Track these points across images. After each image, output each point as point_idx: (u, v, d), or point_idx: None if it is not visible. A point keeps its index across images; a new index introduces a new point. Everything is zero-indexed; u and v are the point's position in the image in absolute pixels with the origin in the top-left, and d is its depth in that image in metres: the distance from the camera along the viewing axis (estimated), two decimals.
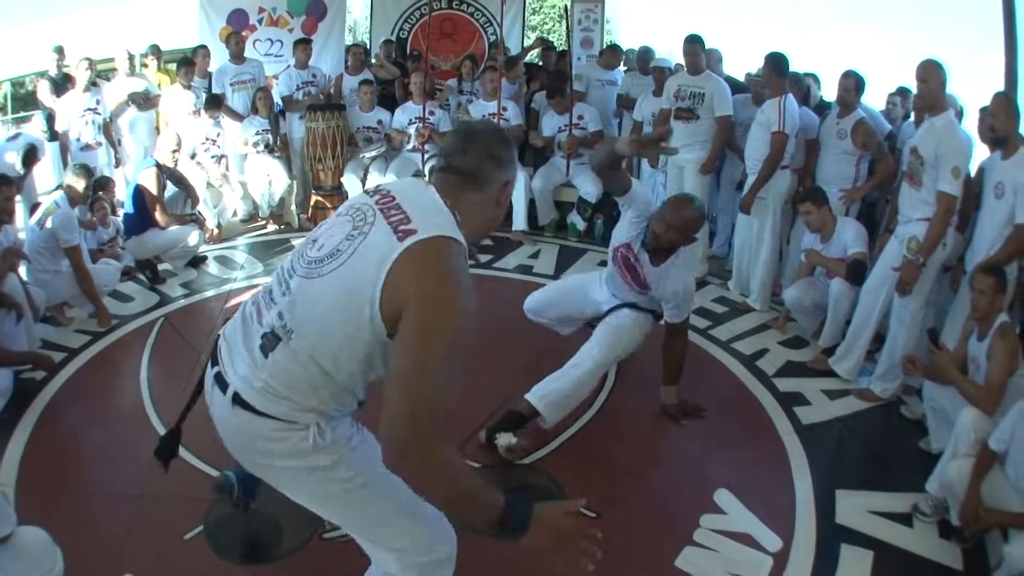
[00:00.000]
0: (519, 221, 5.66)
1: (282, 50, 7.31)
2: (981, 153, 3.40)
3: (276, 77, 6.65)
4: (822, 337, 3.87)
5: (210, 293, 4.61)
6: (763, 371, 3.75)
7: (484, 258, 5.18)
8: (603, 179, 3.04)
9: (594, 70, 6.47)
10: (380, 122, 5.99)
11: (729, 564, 2.40)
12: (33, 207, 4.32)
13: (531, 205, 5.76)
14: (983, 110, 3.39)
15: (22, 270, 3.71)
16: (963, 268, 3.32)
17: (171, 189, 4.93)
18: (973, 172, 3.38)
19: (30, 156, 4.55)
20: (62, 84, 5.49)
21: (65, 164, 5.11)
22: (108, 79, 5.83)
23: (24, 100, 9.30)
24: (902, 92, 4.70)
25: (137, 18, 7.97)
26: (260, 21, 7.37)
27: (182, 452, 2.64)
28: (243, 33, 6.78)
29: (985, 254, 3.08)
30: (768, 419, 3.32)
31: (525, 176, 5.69)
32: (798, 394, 3.52)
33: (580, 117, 5.64)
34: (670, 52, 5.88)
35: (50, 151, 5.32)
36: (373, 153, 5.91)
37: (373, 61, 7.17)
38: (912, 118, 4.36)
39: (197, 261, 4.99)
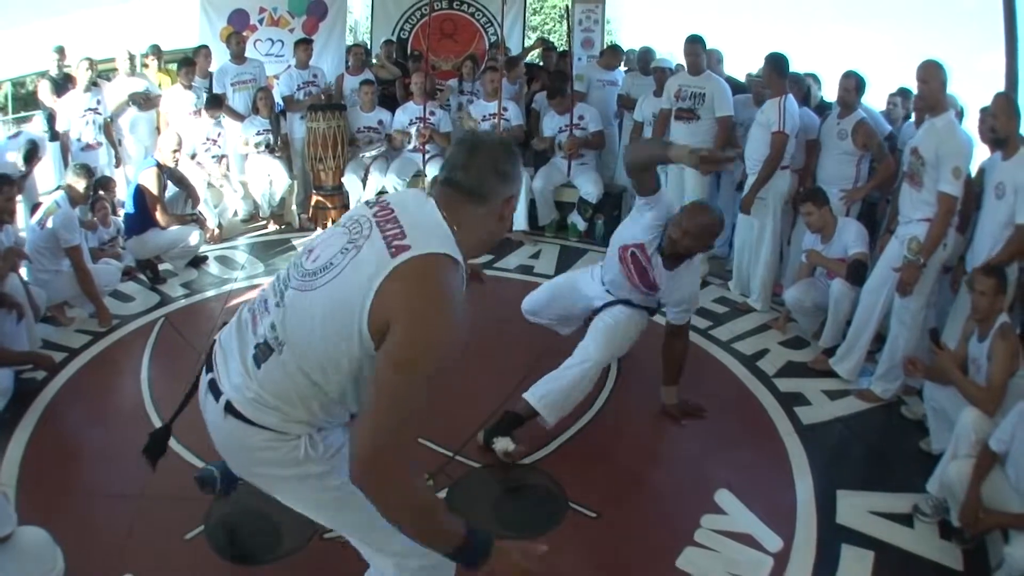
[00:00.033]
0: (519, 221, 5.66)
1: (283, 50, 7.31)
2: (982, 153, 3.40)
3: (277, 77, 6.66)
4: (823, 337, 3.87)
5: (211, 293, 4.62)
6: (764, 371, 3.75)
7: (484, 258, 5.18)
8: (632, 177, 2.94)
9: (595, 70, 6.46)
10: (381, 122, 5.99)
11: (730, 564, 2.40)
12: (34, 207, 4.32)
13: (531, 205, 5.75)
14: (983, 110, 3.39)
15: (23, 270, 3.71)
16: (964, 269, 3.31)
17: (172, 189, 4.94)
18: (974, 172, 3.38)
19: (32, 153, 4.56)
20: (63, 84, 5.49)
21: (66, 164, 5.12)
22: (109, 79, 5.83)
23: (25, 100, 9.31)
24: (903, 93, 4.69)
25: (138, 18, 7.97)
26: (261, 21, 7.38)
27: (183, 452, 2.66)
28: (244, 33, 6.79)
29: (986, 255, 3.08)
30: (769, 419, 3.31)
31: (526, 176, 5.69)
32: (799, 394, 3.52)
33: (580, 117, 5.64)
34: (671, 52, 5.89)
35: (51, 151, 5.33)
36: (374, 153, 5.92)
37: (374, 61, 7.17)
38: (913, 118, 4.36)
39: (198, 261, 4.99)
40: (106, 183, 4.84)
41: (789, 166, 4.36)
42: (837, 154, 4.20)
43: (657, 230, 2.93)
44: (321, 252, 1.49)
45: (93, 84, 5.38)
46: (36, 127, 5.63)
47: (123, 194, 5.11)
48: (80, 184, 3.98)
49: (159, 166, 4.67)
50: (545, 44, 7.82)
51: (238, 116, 5.83)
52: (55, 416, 3.13)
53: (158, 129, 5.81)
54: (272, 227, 5.91)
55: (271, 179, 5.70)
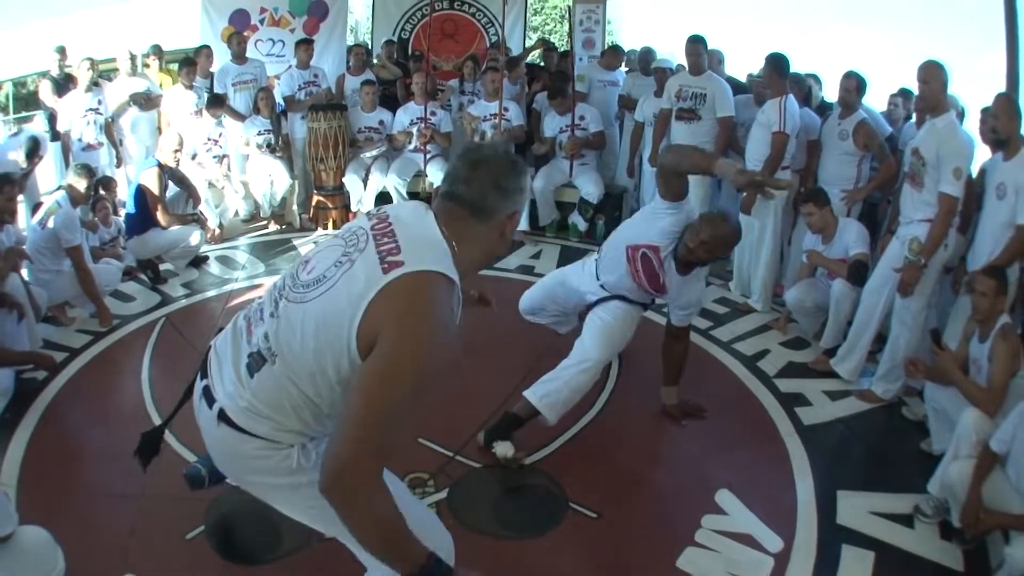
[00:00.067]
0: (520, 221, 5.65)
1: (284, 50, 7.32)
2: (983, 154, 3.40)
3: (278, 77, 6.67)
4: (823, 338, 3.87)
5: (211, 293, 4.62)
6: (764, 372, 3.75)
7: None
8: (664, 179, 2.82)
9: (596, 71, 6.46)
10: (382, 122, 5.99)
11: (730, 565, 2.40)
12: (35, 207, 4.33)
13: (532, 205, 5.75)
14: (984, 111, 3.39)
15: (24, 270, 3.71)
16: (965, 269, 3.31)
17: (173, 189, 4.94)
18: (975, 173, 3.38)
19: (33, 149, 4.56)
20: (64, 84, 5.51)
21: (67, 164, 5.13)
22: (110, 79, 5.84)
23: (26, 100, 9.32)
24: (904, 93, 4.69)
25: (139, 18, 7.98)
26: (262, 21, 7.39)
27: (184, 452, 2.66)
28: (245, 33, 6.80)
29: (987, 256, 3.08)
30: (769, 420, 3.31)
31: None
32: (799, 395, 3.52)
33: (581, 118, 5.64)
34: (671, 53, 5.90)
35: (52, 151, 5.33)
36: (375, 153, 5.92)
37: (375, 61, 7.17)
38: (914, 119, 4.36)
39: (199, 261, 4.99)
40: (107, 183, 4.85)
41: (790, 166, 4.36)
42: (838, 155, 4.20)
43: (674, 236, 2.86)
44: (316, 264, 1.48)
45: (94, 84, 5.39)
46: (37, 127, 5.64)
47: (124, 194, 5.12)
48: (81, 184, 3.99)
49: (160, 166, 4.67)
50: (546, 44, 7.82)
51: (239, 116, 5.83)
52: (56, 416, 3.13)
53: (159, 129, 5.81)
54: (273, 227, 5.92)
55: (272, 179, 5.70)
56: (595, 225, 5.77)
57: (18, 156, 4.51)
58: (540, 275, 4.90)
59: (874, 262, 3.69)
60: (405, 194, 5.88)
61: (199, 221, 5.08)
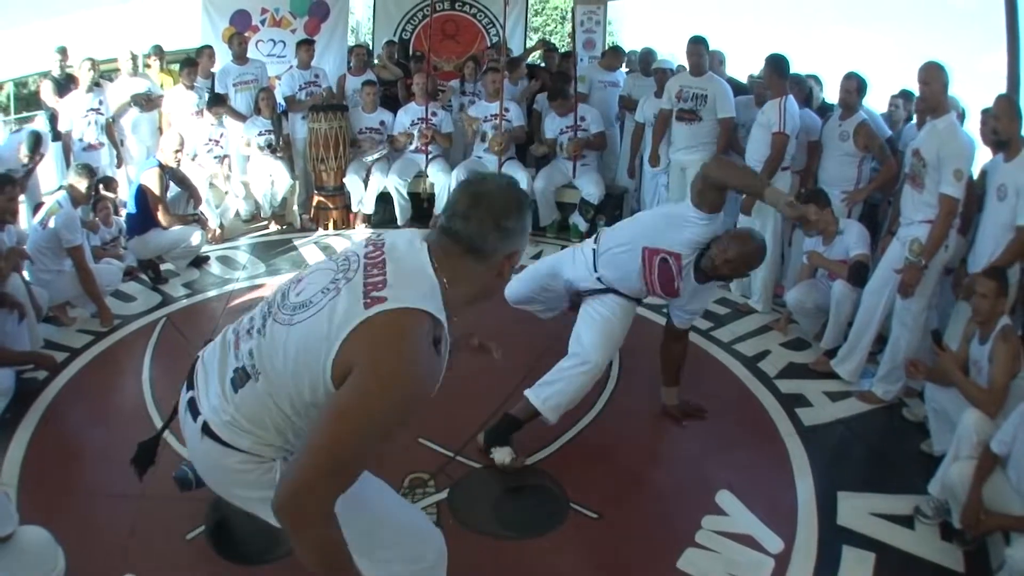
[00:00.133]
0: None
1: (285, 51, 7.33)
2: (984, 156, 3.39)
3: (279, 78, 6.68)
4: (824, 339, 3.87)
5: (212, 293, 4.62)
6: (765, 372, 3.75)
7: None
8: (707, 188, 2.66)
9: (596, 71, 6.46)
10: (383, 123, 5.99)
11: (730, 565, 2.40)
12: (36, 206, 4.33)
13: (533, 206, 5.75)
14: (985, 112, 3.39)
15: (25, 270, 3.71)
16: (965, 271, 3.31)
17: (174, 189, 4.95)
18: (975, 174, 3.38)
19: (36, 144, 4.56)
20: (65, 84, 5.51)
21: (68, 164, 5.13)
22: (111, 79, 5.85)
23: (27, 100, 9.31)
24: (905, 95, 4.69)
25: (140, 19, 7.99)
26: (263, 22, 7.40)
27: (185, 454, 2.66)
28: (246, 34, 6.80)
29: (988, 257, 3.08)
30: (770, 420, 3.31)
31: (527, 177, 5.70)
32: (800, 395, 3.52)
33: (582, 119, 5.64)
34: (672, 54, 5.90)
35: (53, 151, 5.34)
36: (376, 155, 5.92)
37: (376, 62, 7.18)
38: (915, 120, 4.36)
39: (199, 261, 5.00)
40: (109, 182, 4.84)
41: (790, 167, 4.36)
42: (838, 156, 4.20)
43: (699, 247, 2.77)
44: (306, 286, 1.47)
45: (95, 84, 5.40)
46: (38, 127, 5.63)
47: (125, 194, 5.12)
48: (82, 184, 3.99)
49: (161, 166, 4.68)
50: (546, 45, 7.83)
51: (240, 116, 5.83)
52: (56, 416, 3.14)
53: (160, 129, 5.82)
54: (274, 227, 5.92)
55: (273, 179, 5.71)
56: (596, 225, 5.76)
57: (21, 151, 4.50)
58: None
59: (875, 263, 3.69)
60: (406, 195, 5.89)
61: (200, 221, 5.09)
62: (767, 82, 4.36)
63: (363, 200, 5.90)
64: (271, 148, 5.74)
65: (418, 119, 5.85)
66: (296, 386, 1.39)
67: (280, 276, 4.86)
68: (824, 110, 4.78)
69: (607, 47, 7.32)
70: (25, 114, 8.59)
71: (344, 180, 5.82)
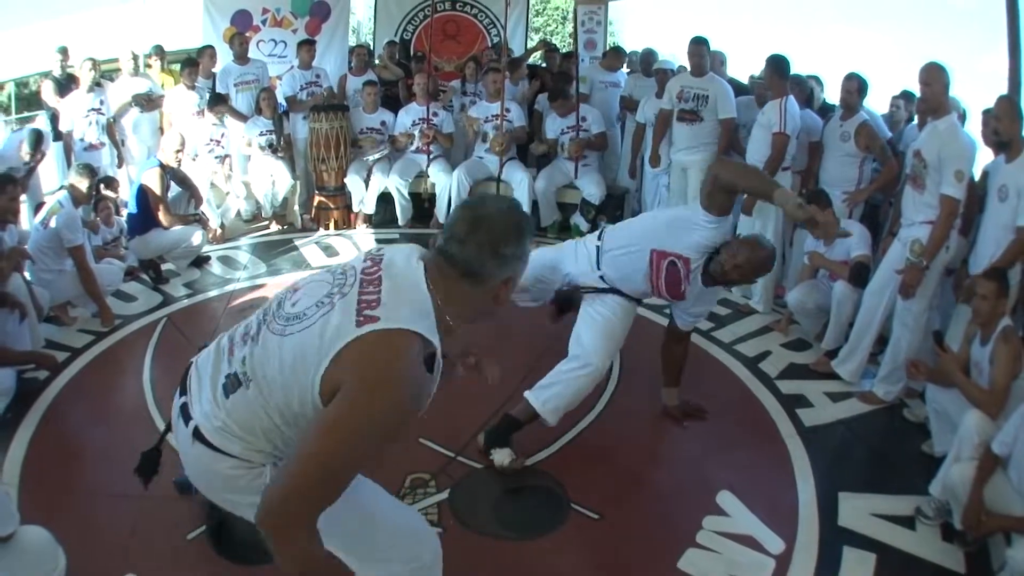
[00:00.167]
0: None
1: (286, 51, 7.33)
2: (985, 156, 3.39)
3: (280, 78, 6.68)
4: (825, 339, 3.87)
5: (213, 293, 4.62)
6: (766, 373, 3.75)
7: None
8: (718, 191, 2.61)
9: (597, 72, 6.47)
10: (384, 123, 5.99)
11: (731, 566, 2.40)
12: (37, 206, 4.33)
13: (534, 206, 5.75)
14: (986, 112, 3.39)
15: (26, 270, 3.71)
16: (967, 272, 3.31)
17: (175, 189, 4.94)
18: (977, 175, 3.37)
19: (38, 141, 4.56)
20: (66, 84, 5.51)
21: (69, 164, 5.13)
22: (112, 79, 5.85)
23: (28, 100, 9.31)
24: (906, 95, 4.69)
25: (141, 19, 7.99)
26: (264, 22, 7.40)
27: None
28: (247, 34, 6.80)
29: (989, 258, 3.08)
30: (771, 421, 3.31)
31: (528, 177, 5.70)
32: (800, 396, 3.52)
33: (583, 119, 5.64)
34: (673, 54, 5.89)
35: (54, 151, 5.35)
36: (377, 155, 5.92)
37: (377, 62, 7.18)
38: (915, 121, 4.36)
39: (200, 261, 5.00)
40: (110, 182, 4.85)
41: (791, 167, 4.36)
42: (839, 156, 4.19)
43: (708, 251, 2.74)
44: (302, 297, 1.47)
45: (96, 84, 5.40)
46: (39, 127, 5.63)
47: (126, 194, 5.12)
48: (83, 184, 3.99)
49: (162, 166, 4.68)
50: (547, 46, 7.82)
51: (241, 116, 5.83)
52: (57, 415, 3.14)
53: (161, 129, 5.82)
54: (274, 227, 5.92)
55: (274, 179, 5.70)
56: (597, 226, 5.75)
57: (23, 148, 4.50)
58: None
59: (876, 264, 3.69)
60: (407, 195, 5.89)
61: (201, 221, 5.09)
62: (768, 83, 4.36)
63: (364, 200, 5.90)
64: (272, 148, 5.74)
65: (419, 119, 5.85)
66: (286, 396, 1.39)
67: (281, 276, 4.86)
68: (825, 111, 4.78)
69: (608, 47, 7.32)
70: (26, 114, 8.58)
71: (345, 180, 5.82)
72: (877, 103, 4.73)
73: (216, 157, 5.65)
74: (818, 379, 3.68)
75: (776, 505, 2.70)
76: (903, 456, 3.10)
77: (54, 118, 5.42)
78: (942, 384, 2.85)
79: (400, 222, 5.95)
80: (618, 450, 3.03)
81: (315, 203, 5.92)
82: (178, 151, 4.78)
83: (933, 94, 3.18)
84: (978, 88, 4.49)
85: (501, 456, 2.81)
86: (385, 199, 5.95)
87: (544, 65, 7.31)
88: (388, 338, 1.31)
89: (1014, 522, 2.26)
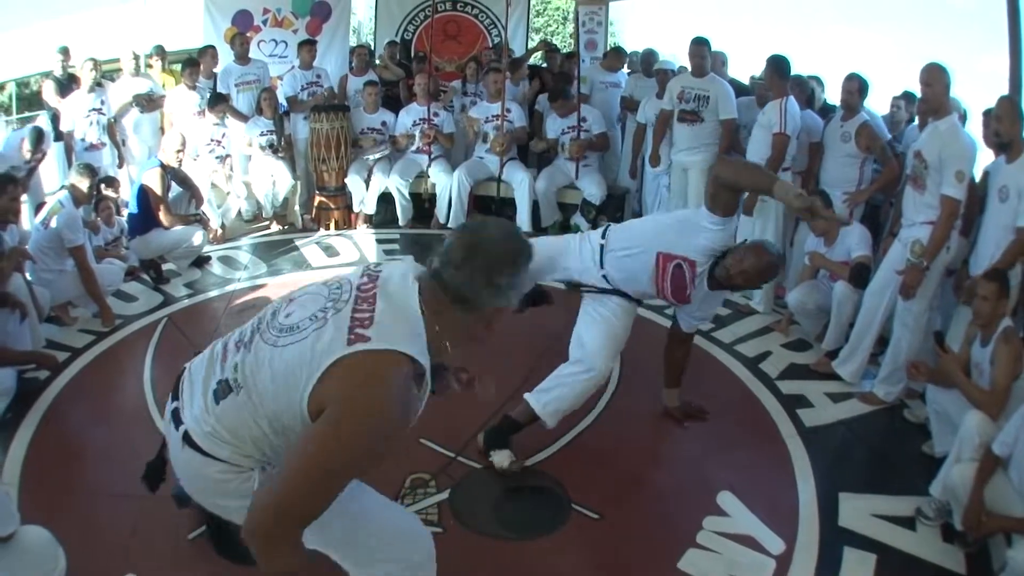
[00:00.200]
0: (523, 222, 5.66)
1: (286, 51, 7.33)
2: (986, 157, 3.39)
3: (280, 78, 6.68)
4: (825, 340, 3.86)
5: (214, 293, 4.62)
6: (766, 374, 3.75)
7: None
8: (719, 191, 2.60)
9: (598, 72, 6.47)
10: (384, 123, 6.00)
11: (731, 566, 2.40)
12: (38, 206, 4.33)
13: (535, 207, 5.76)
14: (987, 113, 3.38)
15: (27, 270, 3.71)
16: (967, 272, 3.31)
17: (175, 189, 4.94)
18: (977, 176, 3.37)
19: (39, 139, 4.56)
20: (67, 84, 5.52)
21: (70, 164, 5.13)
22: (113, 79, 5.85)
23: (29, 100, 9.32)
24: (906, 96, 4.69)
25: (142, 19, 8.00)
26: (265, 22, 7.40)
27: None
28: (248, 34, 6.80)
29: (990, 259, 3.08)
30: (771, 421, 3.31)
31: (529, 177, 5.70)
32: (801, 397, 3.52)
33: (583, 119, 5.64)
34: (674, 54, 5.89)
35: (55, 151, 5.34)
36: (377, 155, 5.93)
37: (377, 62, 7.18)
38: (916, 122, 4.36)
39: (201, 261, 5.00)
40: (111, 182, 4.85)
41: (791, 168, 4.35)
42: (840, 157, 4.19)
43: (714, 254, 2.72)
44: (297, 309, 1.48)
45: (97, 84, 5.40)
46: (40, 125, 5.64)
47: (127, 194, 5.13)
48: (83, 184, 4.00)
49: (163, 166, 4.68)
50: (548, 46, 7.82)
51: (242, 116, 5.84)
52: (58, 415, 3.14)
53: (162, 129, 5.83)
54: (275, 227, 5.92)
55: (274, 180, 5.71)
56: (597, 226, 5.76)
57: (24, 146, 4.50)
58: None
59: (876, 264, 3.69)
60: (407, 195, 5.89)
61: (201, 221, 5.09)
62: (768, 83, 4.36)
63: (364, 200, 5.91)
64: (273, 148, 5.74)
65: (420, 119, 5.85)
66: (275, 407, 1.40)
67: (281, 276, 4.87)
68: (826, 111, 4.78)
69: (609, 48, 7.32)
70: (27, 114, 8.60)
71: (346, 180, 5.82)
72: (878, 104, 4.73)
73: (217, 157, 5.65)
74: (819, 379, 3.68)
75: (776, 505, 2.70)
76: (903, 457, 3.10)
77: (55, 118, 5.42)
78: (943, 385, 2.85)
79: (400, 222, 5.95)
80: (618, 450, 3.03)
81: (316, 203, 5.92)
82: (179, 151, 4.78)
83: (934, 95, 3.18)
84: (978, 88, 4.49)
85: (500, 458, 2.80)
86: (385, 199, 5.95)
87: (545, 65, 7.31)
88: (376, 359, 1.32)
89: (1015, 523, 2.26)
